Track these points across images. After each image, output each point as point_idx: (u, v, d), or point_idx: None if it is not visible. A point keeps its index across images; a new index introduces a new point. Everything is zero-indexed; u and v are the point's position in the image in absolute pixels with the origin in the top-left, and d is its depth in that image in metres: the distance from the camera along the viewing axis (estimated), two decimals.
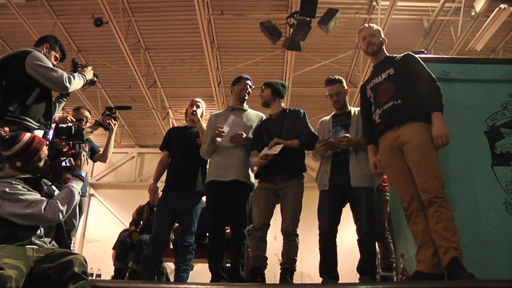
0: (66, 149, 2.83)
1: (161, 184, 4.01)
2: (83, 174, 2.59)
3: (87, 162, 2.68)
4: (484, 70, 3.21)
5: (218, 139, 3.43)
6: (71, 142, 3.60)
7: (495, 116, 3.06)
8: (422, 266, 2.56)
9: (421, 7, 7.23)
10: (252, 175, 3.54)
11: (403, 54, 2.97)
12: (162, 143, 4.09)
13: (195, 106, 4.00)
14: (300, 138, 3.35)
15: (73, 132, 3.57)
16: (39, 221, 2.28)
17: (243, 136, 3.45)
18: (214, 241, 3.40)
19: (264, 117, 3.71)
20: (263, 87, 3.64)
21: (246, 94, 3.73)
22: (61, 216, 2.31)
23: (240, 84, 3.73)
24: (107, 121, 4.11)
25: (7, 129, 2.63)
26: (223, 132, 3.40)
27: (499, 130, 3.03)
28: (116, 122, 4.16)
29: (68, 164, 2.69)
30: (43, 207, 2.25)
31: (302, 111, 3.55)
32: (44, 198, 2.34)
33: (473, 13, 6.87)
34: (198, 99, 4.09)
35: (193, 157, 3.74)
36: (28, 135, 2.49)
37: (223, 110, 3.93)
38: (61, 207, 2.31)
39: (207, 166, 3.71)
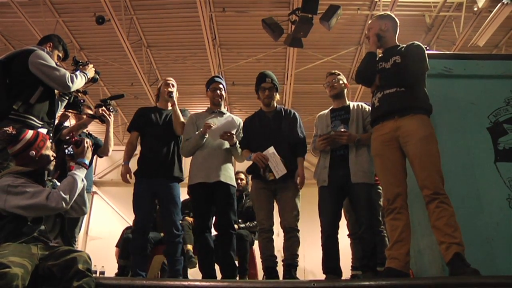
0: (69, 136, 2.83)
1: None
2: (87, 162, 2.57)
3: (91, 149, 2.66)
4: (487, 66, 3.20)
5: (207, 134, 3.45)
6: (70, 111, 3.56)
7: (498, 112, 3.05)
8: (394, 263, 2.56)
9: (423, 2, 7.22)
10: (233, 176, 3.56)
11: (409, 43, 2.90)
12: (132, 123, 3.87)
13: (170, 86, 3.83)
14: (299, 150, 3.42)
15: (71, 100, 3.53)
16: (43, 211, 2.29)
17: (234, 137, 3.47)
18: (202, 242, 3.42)
19: (242, 122, 3.71)
20: (271, 84, 3.57)
21: (219, 99, 3.74)
22: (64, 204, 2.31)
23: (211, 91, 3.74)
24: (101, 113, 3.94)
25: (11, 127, 2.63)
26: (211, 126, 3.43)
27: (502, 126, 3.02)
28: (110, 113, 3.97)
29: (71, 151, 2.70)
30: (46, 197, 2.27)
31: (297, 114, 3.59)
32: (47, 188, 2.37)
33: (475, 9, 6.86)
34: (171, 78, 3.94)
35: (171, 140, 3.68)
36: (31, 131, 2.52)
37: (202, 112, 3.85)
38: (63, 195, 2.31)
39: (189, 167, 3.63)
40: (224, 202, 3.41)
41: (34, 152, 2.43)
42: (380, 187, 3.64)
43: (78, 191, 2.41)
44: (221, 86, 3.74)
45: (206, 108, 3.85)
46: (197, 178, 3.45)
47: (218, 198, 3.43)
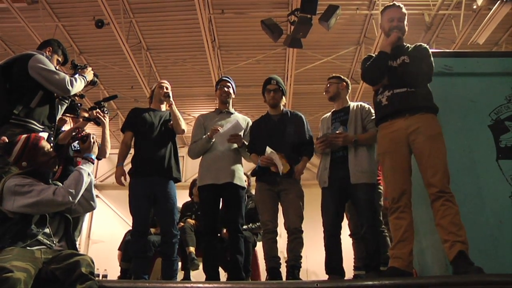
0: (76, 132, 2.84)
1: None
2: (93, 156, 2.59)
3: (97, 145, 2.67)
4: (487, 64, 3.19)
5: (214, 138, 3.47)
6: (67, 115, 3.54)
7: (499, 109, 3.05)
8: (398, 262, 2.56)
9: (422, 1, 7.21)
10: (243, 177, 3.57)
11: (416, 45, 2.91)
12: (126, 124, 3.79)
13: (165, 88, 3.79)
14: (304, 149, 3.43)
15: (68, 104, 3.51)
16: (51, 206, 2.31)
17: (241, 139, 3.49)
18: (208, 244, 3.44)
19: (250, 122, 3.74)
20: (276, 86, 3.58)
21: (227, 97, 3.75)
22: (70, 198, 2.32)
23: (219, 89, 3.78)
24: (95, 115, 3.85)
25: (4, 137, 2.65)
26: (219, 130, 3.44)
27: (503, 124, 3.02)
28: (105, 115, 3.89)
29: (78, 147, 2.70)
30: (52, 192, 2.29)
31: (303, 117, 3.59)
32: (53, 185, 2.40)
33: (474, 7, 6.85)
34: (165, 81, 3.92)
35: (167, 141, 3.64)
36: (23, 136, 2.52)
37: (210, 112, 3.88)
38: (70, 189, 2.33)
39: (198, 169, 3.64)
40: (232, 205, 3.44)
41: (25, 163, 2.44)
42: (381, 187, 3.63)
43: (84, 185, 2.42)
44: (228, 84, 3.78)
45: (214, 109, 3.88)
46: (207, 179, 3.46)
47: (227, 200, 3.46)
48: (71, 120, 4.17)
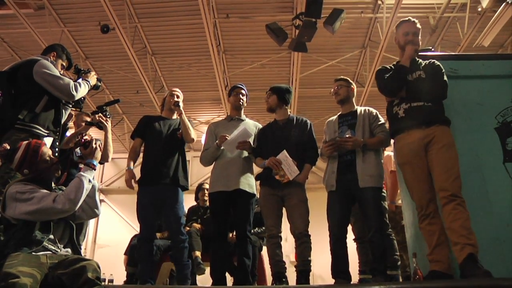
0: (78, 138, 2.85)
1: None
2: (95, 162, 2.56)
3: (100, 150, 2.64)
4: (493, 66, 3.18)
5: (223, 146, 3.50)
6: (72, 109, 3.55)
7: (505, 112, 3.04)
8: (439, 265, 2.57)
9: (426, 4, 7.19)
10: (253, 183, 3.58)
11: (430, 61, 2.98)
12: (136, 130, 3.90)
13: (175, 97, 3.85)
14: (308, 156, 3.42)
15: None
16: (51, 214, 2.30)
17: (250, 145, 3.51)
18: (217, 249, 3.46)
19: (261, 127, 3.76)
20: (269, 92, 3.67)
21: (241, 104, 3.78)
22: (70, 205, 2.31)
23: (233, 95, 3.80)
24: (98, 119, 3.87)
25: (5, 145, 2.66)
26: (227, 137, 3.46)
27: (509, 126, 3.00)
28: (107, 119, 3.91)
29: (80, 153, 2.69)
30: (52, 199, 2.28)
31: (309, 122, 3.61)
32: (54, 192, 2.39)
33: (479, 9, 6.82)
34: (176, 89, 3.96)
35: (175, 150, 3.69)
36: (24, 143, 2.52)
37: (221, 120, 3.95)
38: (70, 197, 2.32)
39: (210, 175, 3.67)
40: (241, 211, 3.45)
41: (27, 171, 2.44)
42: (384, 191, 3.62)
43: (85, 192, 2.40)
44: (243, 91, 3.82)
45: (226, 115, 3.92)
46: (217, 186, 3.50)
47: (237, 206, 3.46)
48: (74, 118, 4.19)
